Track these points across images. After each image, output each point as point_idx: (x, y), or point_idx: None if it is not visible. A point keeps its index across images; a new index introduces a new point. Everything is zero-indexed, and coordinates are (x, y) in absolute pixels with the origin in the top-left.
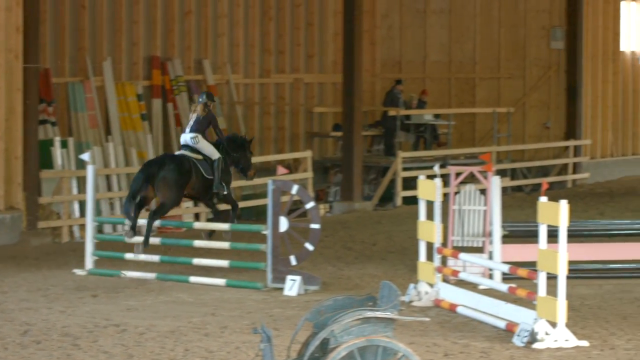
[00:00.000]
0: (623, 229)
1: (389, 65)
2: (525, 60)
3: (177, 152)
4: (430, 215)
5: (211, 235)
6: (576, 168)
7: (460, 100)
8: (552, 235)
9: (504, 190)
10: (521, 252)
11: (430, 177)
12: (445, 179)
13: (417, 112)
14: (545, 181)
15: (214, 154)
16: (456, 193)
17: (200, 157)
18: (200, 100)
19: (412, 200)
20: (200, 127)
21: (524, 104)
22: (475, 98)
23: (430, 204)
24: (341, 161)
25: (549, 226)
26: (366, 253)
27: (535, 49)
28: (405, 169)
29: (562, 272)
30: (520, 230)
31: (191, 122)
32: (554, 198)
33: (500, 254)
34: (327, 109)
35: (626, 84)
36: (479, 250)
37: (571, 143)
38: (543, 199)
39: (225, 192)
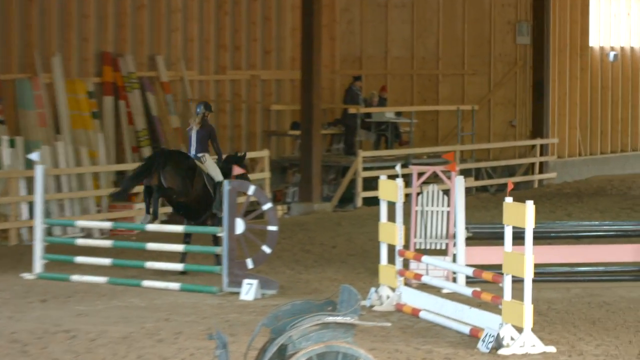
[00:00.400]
0: (591, 231)
1: (349, 61)
2: (490, 56)
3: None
4: (391, 217)
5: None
6: (543, 168)
7: (422, 98)
8: (518, 237)
9: (468, 190)
10: (486, 254)
11: (392, 177)
12: (407, 179)
13: (378, 110)
14: (510, 181)
15: (218, 175)
16: (418, 194)
17: (205, 168)
18: (198, 111)
19: (373, 201)
20: (204, 146)
21: (489, 101)
22: (439, 95)
23: (391, 205)
24: (300, 161)
25: (514, 228)
26: (325, 256)
27: (500, 45)
28: (365, 169)
29: (529, 275)
30: (485, 232)
31: (193, 142)
32: (519, 199)
33: (465, 257)
34: (284, 107)
35: (594, 80)
36: (442, 252)
37: (538, 142)
38: (508, 200)
39: (220, 216)
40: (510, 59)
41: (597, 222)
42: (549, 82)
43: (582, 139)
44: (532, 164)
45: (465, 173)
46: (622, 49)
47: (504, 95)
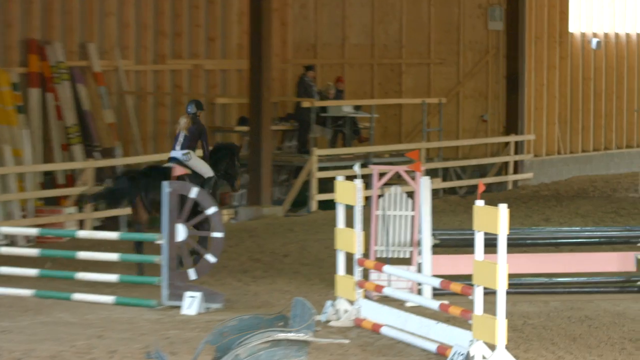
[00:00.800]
0: (572, 237)
1: (302, 49)
2: (459, 43)
3: (165, 165)
4: (350, 222)
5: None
6: (518, 167)
7: (384, 90)
8: (490, 244)
9: (435, 192)
10: (454, 263)
11: (350, 177)
12: (367, 180)
13: (334, 104)
14: (481, 182)
15: (208, 172)
16: (379, 196)
17: (188, 170)
18: (190, 110)
19: (329, 205)
20: (191, 144)
21: (458, 93)
22: (402, 87)
23: (349, 209)
24: (248, 160)
25: (486, 234)
26: (277, 265)
27: (470, 31)
28: (321, 169)
29: (502, 287)
30: (453, 239)
31: (180, 139)
32: (492, 202)
33: (431, 266)
34: (231, 100)
35: (575, 70)
36: (406, 262)
37: (512, 138)
38: (479, 203)
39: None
40: (482, 46)
41: (578, 228)
42: (525, 72)
43: (562, 135)
44: (506, 164)
45: (431, 173)
46: (605, 35)
47: (475, 87)
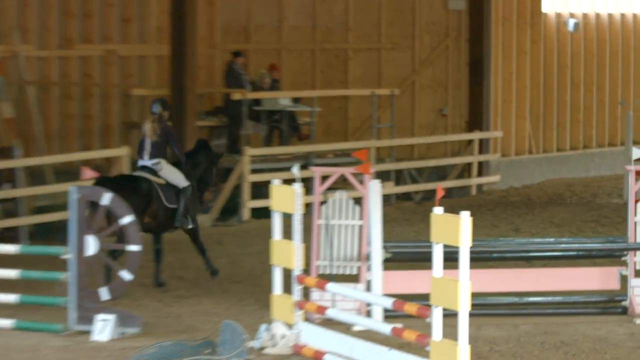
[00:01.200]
0: (545, 250)
1: (232, 32)
2: (415, 25)
3: (134, 173)
4: (288, 233)
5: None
6: (483, 169)
7: (327, 79)
8: (451, 258)
9: (387, 198)
10: (409, 281)
11: (288, 181)
12: (308, 183)
13: (270, 95)
14: (440, 187)
15: (182, 181)
16: (322, 203)
17: (162, 181)
18: (155, 110)
19: (264, 213)
20: (160, 151)
21: (413, 83)
22: (348, 76)
23: (287, 218)
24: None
25: (445, 246)
26: (203, 284)
27: (427, 11)
28: (254, 171)
29: (464, 308)
30: (408, 252)
31: (147, 147)
32: (453, 209)
33: (382, 284)
34: (149, 91)
35: (549, 56)
36: (353, 279)
37: (476, 136)
38: (438, 211)
39: (190, 226)
40: (441, 29)
41: (552, 240)
42: (490, 59)
43: (534, 132)
44: (469, 165)
45: (382, 176)
46: (584, 16)
47: (433, 75)
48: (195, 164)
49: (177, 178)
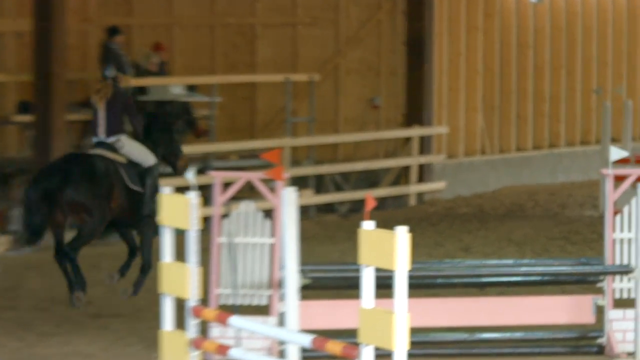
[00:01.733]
0: (502, 275)
1: (111, 3)
2: None
3: (89, 152)
4: (181, 254)
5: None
6: (424, 174)
7: (230, 62)
8: (385, 285)
9: (305, 210)
10: (333, 313)
11: (181, 189)
12: (206, 192)
13: (158, 82)
14: (371, 196)
15: (148, 159)
16: (224, 216)
17: (122, 159)
18: (108, 74)
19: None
20: (117, 125)
21: (337, 67)
22: (256, 58)
23: (180, 235)
24: (31, 164)
25: (378, 270)
26: (74, 317)
27: None
28: None
29: (401, 347)
30: (330, 278)
31: (101, 121)
32: (387, 223)
33: (299, 317)
34: (7, 77)
35: (507, 33)
36: (263, 310)
37: (416, 132)
38: (368, 226)
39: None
40: (372, 0)
41: (511, 261)
42: (433, 36)
43: (488, 127)
44: (407, 169)
45: (299, 183)
46: None
47: (362, 57)
48: (156, 138)
49: (142, 155)
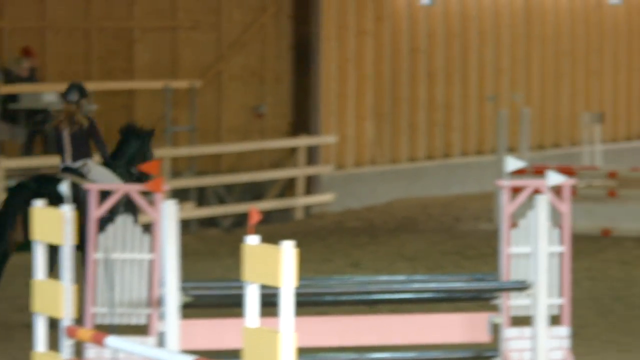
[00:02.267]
0: (394, 292)
1: None
2: None
3: (57, 176)
4: (54, 270)
5: None
6: (312, 185)
7: (107, 68)
8: (270, 302)
9: (186, 224)
10: (216, 332)
11: (54, 201)
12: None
13: (30, 90)
14: (255, 209)
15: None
16: (100, 230)
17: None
18: (71, 98)
19: (25, 244)
20: (84, 149)
21: (220, 73)
22: (134, 63)
23: (54, 250)
24: None
25: (263, 287)
26: None
27: None
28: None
29: None
30: (213, 296)
31: (67, 146)
32: (272, 238)
33: (179, 337)
34: None
35: (398, 37)
36: (141, 330)
37: (302, 142)
38: (253, 241)
39: None
40: (256, 2)
41: (403, 277)
42: (321, 41)
43: (378, 136)
44: (293, 180)
45: (179, 195)
46: None
47: (245, 63)
48: (131, 157)
49: (109, 180)
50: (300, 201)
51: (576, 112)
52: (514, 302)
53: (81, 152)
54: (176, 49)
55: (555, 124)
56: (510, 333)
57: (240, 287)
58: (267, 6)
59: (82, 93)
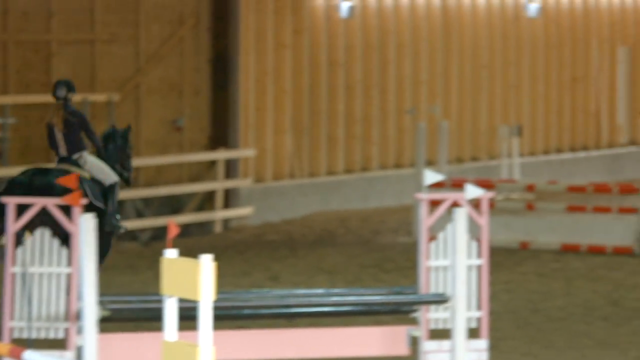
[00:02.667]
0: (312, 305)
1: None
2: (139, 10)
3: (52, 166)
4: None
5: None
6: (230, 198)
7: (25, 81)
8: (189, 316)
9: (104, 237)
10: (134, 346)
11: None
12: None
13: None
14: (174, 222)
15: (110, 176)
16: (18, 244)
17: (86, 174)
18: (60, 94)
19: None
20: (77, 142)
21: (138, 86)
22: (52, 76)
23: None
24: None
25: (182, 301)
26: None
27: None
28: None
29: None
30: (131, 309)
31: (60, 140)
32: (191, 252)
33: (97, 351)
34: None
35: (317, 50)
36: (59, 344)
37: (221, 155)
38: (171, 254)
39: (122, 231)
40: (174, 15)
41: (321, 290)
42: (238, 54)
43: (297, 150)
44: (212, 194)
45: (98, 209)
46: None
47: (164, 76)
48: (112, 152)
49: (104, 173)
50: (219, 214)
51: (494, 125)
52: (433, 315)
53: (75, 145)
54: (94, 62)
55: (474, 137)
56: (428, 346)
57: (159, 301)
58: (185, 19)
59: (70, 88)
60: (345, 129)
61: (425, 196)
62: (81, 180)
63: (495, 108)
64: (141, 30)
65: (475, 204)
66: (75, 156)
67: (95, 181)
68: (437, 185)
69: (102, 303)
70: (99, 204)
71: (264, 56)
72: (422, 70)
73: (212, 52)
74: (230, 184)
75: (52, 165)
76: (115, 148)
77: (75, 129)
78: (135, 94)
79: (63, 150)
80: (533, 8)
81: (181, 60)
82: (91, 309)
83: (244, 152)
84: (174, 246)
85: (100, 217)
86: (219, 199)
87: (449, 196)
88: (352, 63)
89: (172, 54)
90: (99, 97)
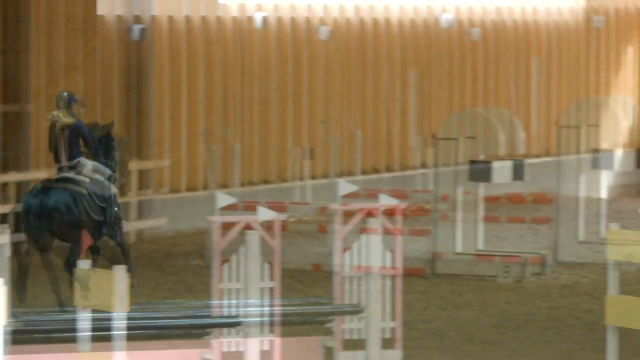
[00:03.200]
0: (102, 329)
1: None
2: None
3: (55, 179)
4: None
5: None
6: (143, 209)
7: None
8: (102, 329)
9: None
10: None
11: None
12: None
13: None
14: (87, 233)
15: (107, 189)
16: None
17: (83, 191)
18: (62, 104)
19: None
20: (77, 149)
21: (51, 97)
22: None
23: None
24: None
25: (94, 312)
26: None
27: None
28: None
29: None
30: (44, 321)
31: (61, 146)
32: (101, 263)
33: None
34: None
35: (231, 60)
36: None
37: (135, 165)
38: (84, 265)
39: (119, 239)
40: (88, 25)
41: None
42: (152, 65)
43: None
44: (126, 204)
45: (8, 220)
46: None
47: (77, 87)
48: (108, 155)
49: (103, 187)
50: (134, 225)
51: (285, 147)
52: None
53: (74, 151)
54: (7, 72)
55: (265, 159)
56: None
57: (73, 313)
58: (99, 30)
59: (72, 99)
60: (261, 140)
61: (217, 219)
62: (79, 198)
63: (286, 130)
64: (54, 41)
65: (268, 226)
66: (73, 162)
67: (93, 195)
68: (229, 208)
69: (13, 315)
70: (99, 218)
71: (177, 66)
72: (215, 95)
73: (126, 63)
74: (144, 195)
75: (53, 175)
76: (111, 154)
77: (74, 134)
78: (49, 105)
79: (63, 156)
80: (324, 30)
81: (95, 71)
82: (0, 323)
83: (158, 162)
84: (86, 257)
85: (100, 227)
86: (134, 209)
87: (242, 219)
88: (268, 73)
89: (86, 64)
90: (12, 108)
